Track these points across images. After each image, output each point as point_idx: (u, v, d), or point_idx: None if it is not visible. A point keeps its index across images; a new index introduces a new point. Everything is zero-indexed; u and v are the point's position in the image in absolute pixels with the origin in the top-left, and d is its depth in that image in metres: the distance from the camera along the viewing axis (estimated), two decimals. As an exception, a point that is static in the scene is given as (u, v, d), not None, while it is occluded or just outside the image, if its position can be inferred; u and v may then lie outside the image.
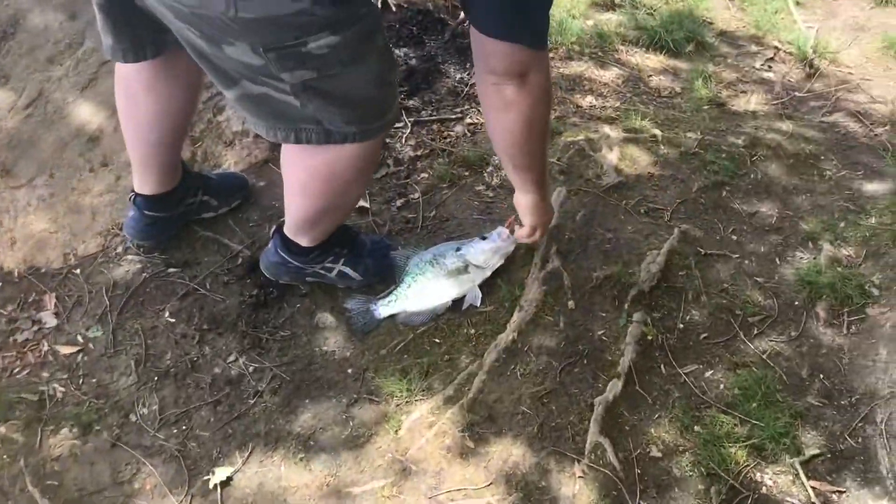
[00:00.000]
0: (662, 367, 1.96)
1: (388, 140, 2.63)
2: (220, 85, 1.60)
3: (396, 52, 3.00)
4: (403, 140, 2.64)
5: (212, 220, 2.32)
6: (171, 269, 2.22)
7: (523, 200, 1.94)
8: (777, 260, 2.25)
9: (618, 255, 2.20)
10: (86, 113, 2.52)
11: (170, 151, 2.11)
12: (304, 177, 1.81)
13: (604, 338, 2.01)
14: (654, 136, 2.63)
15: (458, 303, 2.09)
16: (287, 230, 2.01)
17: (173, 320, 2.10)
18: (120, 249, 2.27)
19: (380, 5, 3.04)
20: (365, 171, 1.85)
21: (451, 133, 2.70)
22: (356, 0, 1.46)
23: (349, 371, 1.98)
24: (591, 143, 2.58)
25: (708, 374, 1.96)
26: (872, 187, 2.50)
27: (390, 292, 2.09)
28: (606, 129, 2.67)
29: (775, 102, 2.98)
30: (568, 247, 2.22)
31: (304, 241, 2.01)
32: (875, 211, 2.38)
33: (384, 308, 2.06)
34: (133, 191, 2.16)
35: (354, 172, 1.78)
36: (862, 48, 3.42)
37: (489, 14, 1.49)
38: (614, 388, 1.87)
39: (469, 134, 2.70)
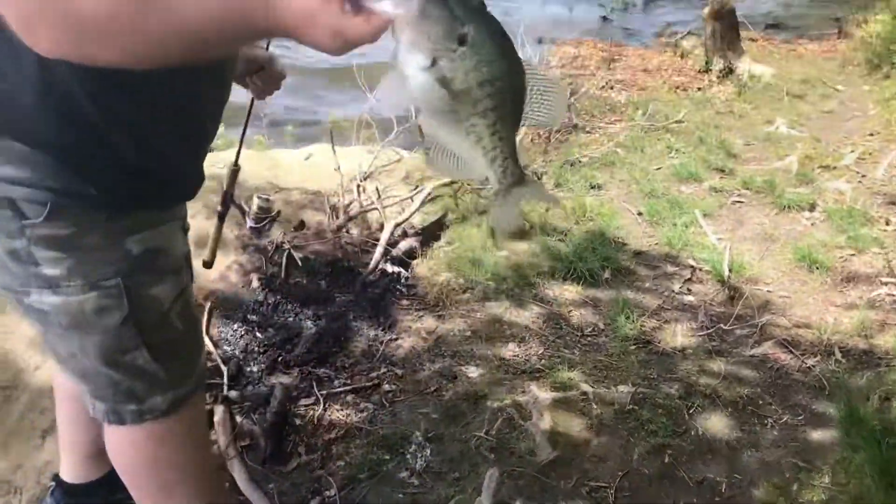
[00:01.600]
0: None
1: (298, 422, 2.38)
2: None
3: (305, 311, 2.81)
4: (316, 420, 2.39)
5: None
6: None
7: None
8: (736, 543, 2.05)
9: (564, 563, 1.96)
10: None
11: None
12: (118, 463, 1.56)
13: None
14: (585, 393, 2.46)
15: None
16: None
17: None
18: None
19: (283, 269, 2.88)
20: (162, 462, 1.53)
21: (368, 405, 2.47)
22: (97, 271, 1.28)
23: None
24: (519, 409, 2.39)
25: None
26: (818, 436, 2.36)
27: None
28: (534, 388, 2.49)
29: (701, 334, 2.89)
30: (507, 554, 1.97)
31: None
32: (827, 468, 2.23)
33: None
34: (56, 477, 1.88)
35: (147, 463, 1.52)
36: (775, 261, 3.42)
37: None
38: None
39: (387, 404, 2.48)
